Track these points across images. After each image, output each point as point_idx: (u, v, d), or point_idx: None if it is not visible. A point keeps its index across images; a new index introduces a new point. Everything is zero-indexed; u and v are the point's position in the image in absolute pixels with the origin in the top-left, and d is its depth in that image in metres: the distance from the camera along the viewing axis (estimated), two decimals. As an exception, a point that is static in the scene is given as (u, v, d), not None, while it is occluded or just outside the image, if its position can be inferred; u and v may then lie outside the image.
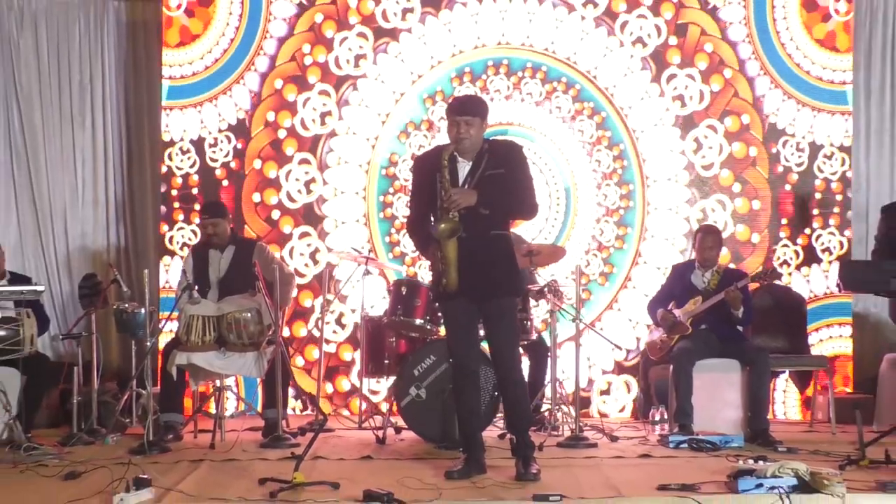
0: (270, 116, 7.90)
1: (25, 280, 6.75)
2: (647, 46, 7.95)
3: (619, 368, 7.88)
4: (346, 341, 7.85)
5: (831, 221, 7.93)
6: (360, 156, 7.93)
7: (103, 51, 8.18)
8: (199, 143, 7.84)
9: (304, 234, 7.89)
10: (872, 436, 5.82)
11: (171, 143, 7.82)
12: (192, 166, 7.84)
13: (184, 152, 7.84)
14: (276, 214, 7.88)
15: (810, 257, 7.91)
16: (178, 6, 7.82)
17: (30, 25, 8.07)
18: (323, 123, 7.92)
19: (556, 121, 7.96)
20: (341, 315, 7.84)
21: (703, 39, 7.95)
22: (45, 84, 8.09)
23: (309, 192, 7.91)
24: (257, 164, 7.89)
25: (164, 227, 7.82)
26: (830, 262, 7.88)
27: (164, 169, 7.82)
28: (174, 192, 7.83)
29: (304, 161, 7.91)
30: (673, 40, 7.94)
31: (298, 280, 7.65)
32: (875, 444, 5.60)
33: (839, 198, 7.92)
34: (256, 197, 7.88)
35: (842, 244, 7.90)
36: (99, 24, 8.17)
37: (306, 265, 7.86)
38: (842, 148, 7.92)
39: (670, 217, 7.95)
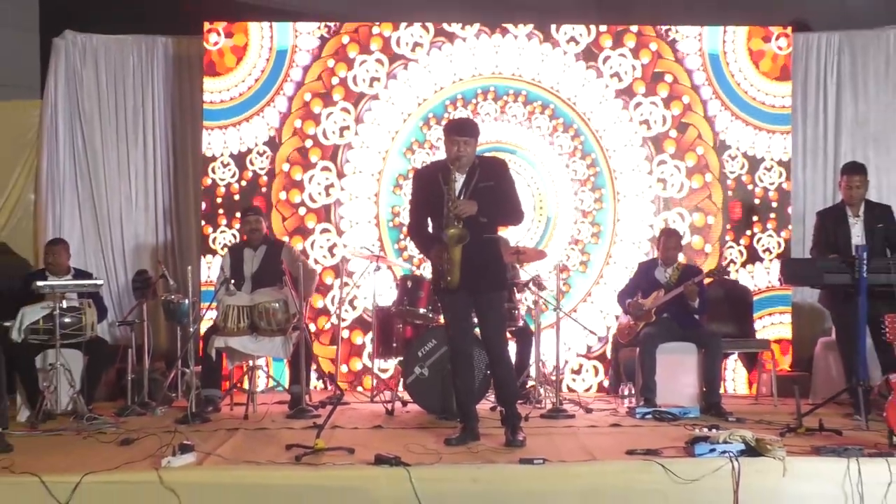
0: (297, 123, 7.87)
1: (87, 275, 6.77)
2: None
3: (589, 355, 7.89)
4: (359, 327, 7.78)
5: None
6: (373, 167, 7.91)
7: (153, 80, 8.16)
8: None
9: (324, 231, 7.86)
10: (809, 407, 5.85)
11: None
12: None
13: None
14: (302, 211, 7.85)
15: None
16: (216, 43, 7.82)
17: (91, 60, 8.05)
18: (342, 136, 7.90)
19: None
20: (364, 310, 7.74)
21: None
22: (104, 109, 8.07)
23: (328, 195, 7.89)
24: (285, 167, 7.86)
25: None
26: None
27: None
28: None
29: (326, 168, 7.89)
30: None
31: (319, 267, 7.68)
32: (811, 414, 5.63)
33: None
34: (283, 195, 7.86)
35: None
36: (149, 58, 8.15)
37: (324, 256, 7.83)
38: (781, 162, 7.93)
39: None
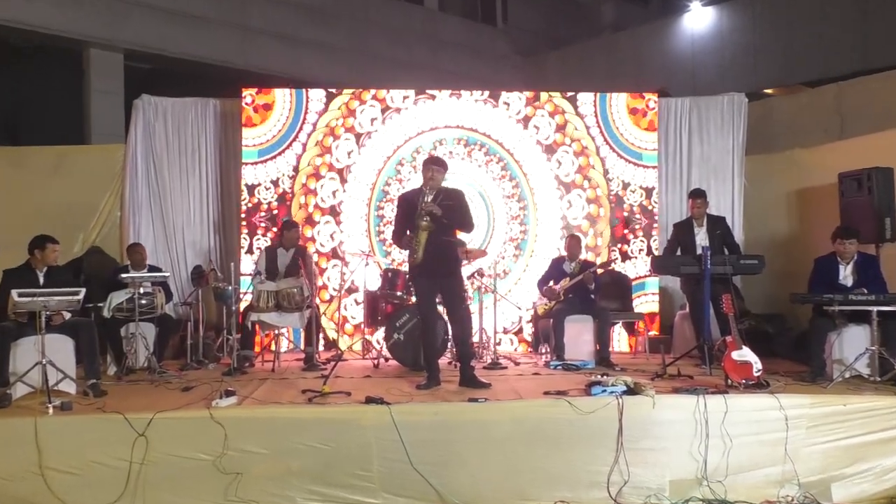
0: (315, 160, 7.71)
1: (158, 269, 6.62)
2: (538, 133, 7.87)
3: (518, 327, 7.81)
4: (354, 305, 7.64)
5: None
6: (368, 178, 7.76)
7: (206, 130, 7.96)
8: (276, 183, 7.68)
9: (328, 222, 7.72)
10: (670, 360, 5.89)
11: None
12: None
13: (267, 189, 7.66)
14: (311, 209, 7.73)
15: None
16: (251, 103, 7.69)
17: (161, 115, 7.85)
18: (349, 157, 7.76)
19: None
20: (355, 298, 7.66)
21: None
22: (171, 150, 7.88)
23: (334, 197, 7.75)
24: (303, 179, 7.70)
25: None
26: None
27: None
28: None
29: (333, 178, 7.74)
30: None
31: (322, 249, 7.62)
32: (671, 365, 5.68)
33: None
34: (302, 199, 7.71)
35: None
36: (203, 114, 7.97)
37: (327, 240, 7.70)
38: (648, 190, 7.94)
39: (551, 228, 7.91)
